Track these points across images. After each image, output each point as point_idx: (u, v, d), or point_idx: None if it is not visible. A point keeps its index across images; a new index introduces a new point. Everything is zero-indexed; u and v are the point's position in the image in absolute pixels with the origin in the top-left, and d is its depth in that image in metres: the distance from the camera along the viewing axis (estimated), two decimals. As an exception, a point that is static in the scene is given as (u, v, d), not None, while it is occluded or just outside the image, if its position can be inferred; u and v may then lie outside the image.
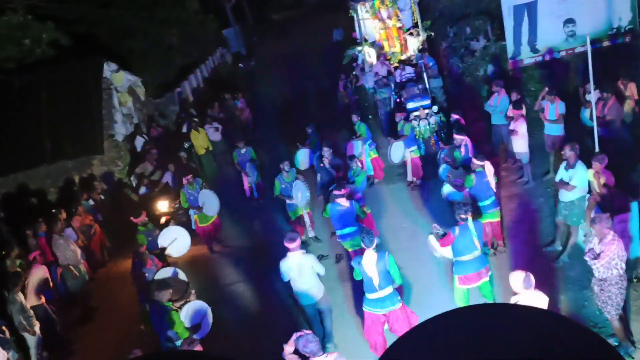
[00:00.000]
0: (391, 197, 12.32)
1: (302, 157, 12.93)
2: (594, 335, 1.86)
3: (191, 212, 12.01)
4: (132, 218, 10.61)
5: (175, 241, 10.44)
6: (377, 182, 12.94)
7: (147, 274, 9.10)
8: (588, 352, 1.74)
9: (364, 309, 7.50)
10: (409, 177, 12.54)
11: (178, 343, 7.29)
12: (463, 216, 7.56)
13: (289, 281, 7.97)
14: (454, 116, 12.21)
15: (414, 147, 12.51)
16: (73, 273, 10.96)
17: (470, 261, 7.60)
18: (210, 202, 11.60)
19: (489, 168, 9.12)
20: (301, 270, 7.79)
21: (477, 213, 8.67)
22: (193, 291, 8.87)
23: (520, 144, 11.03)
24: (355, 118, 13.33)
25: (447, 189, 10.14)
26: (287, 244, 7.78)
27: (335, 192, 9.19)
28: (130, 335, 9.73)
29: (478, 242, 7.60)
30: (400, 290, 7.71)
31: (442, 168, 10.64)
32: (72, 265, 10.96)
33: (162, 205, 12.37)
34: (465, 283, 7.67)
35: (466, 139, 10.70)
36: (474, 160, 9.15)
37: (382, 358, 1.92)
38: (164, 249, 10.25)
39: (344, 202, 9.11)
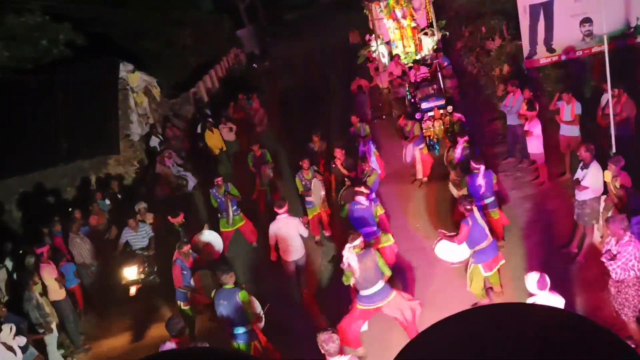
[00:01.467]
0: (404, 197, 12.29)
1: None
2: (613, 336, 1.85)
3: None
4: (169, 218, 10.35)
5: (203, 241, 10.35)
6: (390, 182, 12.91)
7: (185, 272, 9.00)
8: (607, 353, 1.73)
9: (357, 306, 7.66)
10: (418, 175, 12.51)
11: (241, 330, 7.37)
12: (468, 207, 7.90)
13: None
14: (456, 115, 12.21)
15: (422, 145, 12.55)
16: (88, 271, 11.11)
17: (489, 247, 7.97)
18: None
19: (485, 172, 9.21)
20: (288, 230, 9.05)
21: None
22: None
23: (534, 145, 10.97)
24: (354, 119, 13.35)
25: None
26: (276, 209, 9.15)
27: (357, 189, 9.25)
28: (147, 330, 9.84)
29: (487, 228, 7.98)
30: (398, 270, 8.11)
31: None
32: (87, 263, 11.09)
33: (130, 272, 10.66)
34: (488, 270, 8.00)
35: (464, 139, 10.61)
36: (471, 163, 9.31)
37: (399, 357, 1.92)
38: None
39: (363, 202, 9.12)
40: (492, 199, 9.27)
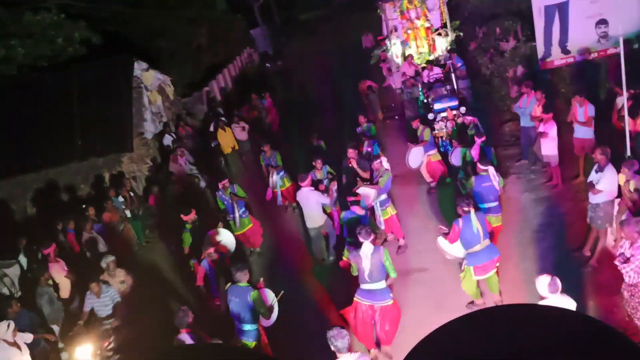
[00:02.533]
0: (416, 199, 12.26)
1: None
2: (625, 339, 1.84)
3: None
4: (182, 215, 10.22)
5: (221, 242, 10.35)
6: (399, 183, 12.88)
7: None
8: (620, 356, 1.72)
9: (355, 299, 7.76)
10: (427, 179, 12.47)
11: (248, 327, 7.45)
12: (465, 208, 7.91)
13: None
14: (468, 118, 12.09)
15: (433, 151, 12.41)
16: None
17: (483, 251, 7.93)
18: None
19: (492, 173, 9.16)
20: (308, 201, 10.29)
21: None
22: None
23: (549, 147, 10.89)
24: (362, 119, 13.33)
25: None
26: (300, 183, 10.30)
27: (349, 199, 9.89)
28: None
29: (482, 231, 7.89)
30: (407, 272, 8.22)
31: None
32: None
33: (82, 353, 7.75)
34: (481, 273, 7.98)
35: (481, 139, 10.63)
36: (478, 165, 9.33)
37: (410, 355, 1.92)
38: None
39: (359, 211, 9.56)
40: (495, 203, 9.18)
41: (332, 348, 5.76)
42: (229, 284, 7.72)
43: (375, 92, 17.32)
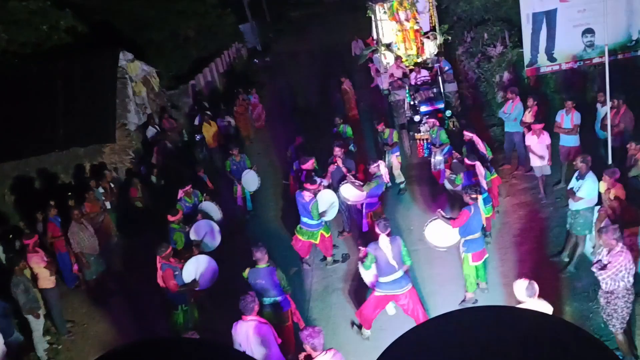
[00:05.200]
0: (398, 200, 12.29)
1: None
2: (598, 343, 1.83)
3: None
4: (169, 216, 10.04)
5: (207, 235, 10.24)
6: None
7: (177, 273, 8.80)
8: (590, 358, 1.72)
9: (377, 294, 7.89)
10: (398, 180, 12.49)
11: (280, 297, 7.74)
12: (474, 196, 8.19)
13: None
14: (467, 135, 11.65)
15: (398, 152, 12.55)
16: (83, 261, 10.79)
17: (479, 239, 8.31)
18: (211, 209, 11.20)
19: (479, 168, 9.40)
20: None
21: None
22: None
23: (539, 159, 10.76)
24: (338, 120, 13.32)
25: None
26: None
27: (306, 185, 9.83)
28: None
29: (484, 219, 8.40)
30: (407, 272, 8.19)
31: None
32: (86, 253, 10.76)
33: None
34: (476, 260, 8.29)
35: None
36: (465, 160, 9.59)
37: (381, 358, 1.90)
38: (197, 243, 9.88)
39: (306, 196, 9.67)
40: (485, 194, 9.29)
41: (308, 347, 5.74)
42: (248, 269, 7.81)
43: (349, 92, 17.26)
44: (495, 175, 10.47)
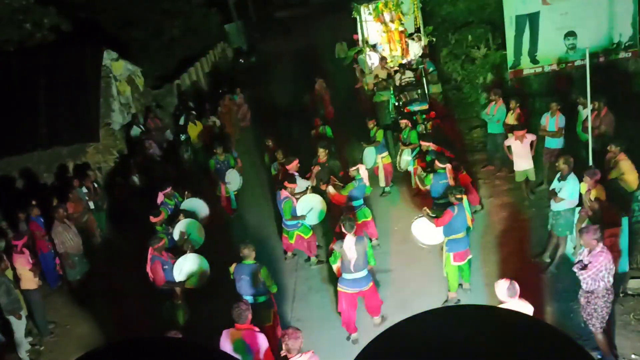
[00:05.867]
0: (383, 201, 12.33)
1: None
2: (576, 345, 1.88)
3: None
4: (151, 218, 10.02)
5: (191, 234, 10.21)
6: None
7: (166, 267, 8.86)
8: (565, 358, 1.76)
9: (339, 289, 8.10)
10: (381, 184, 12.52)
11: (263, 298, 7.93)
12: (459, 196, 8.36)
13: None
14: (425, 144, 11.40)
15: (385, 154, 12.48)
16: (68, 262, 10.75)
17: (463, 239, 8.41)
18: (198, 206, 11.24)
19: (449, 170, 9.62)
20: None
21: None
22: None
23: (525, 163, 10.75)
24: (317, 122, 13.41)
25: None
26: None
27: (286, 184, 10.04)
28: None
29: (470, 220, 8.48)
30: (372, 273, 8.42)
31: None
32: (70, 253, 10.69)
33: None
34: (458, 260, 8.40)
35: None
36: (436, 162, 9.76)
37: (361, 355, 1.92)
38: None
39: (282, 195, 9.92)
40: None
41: (283, 347, 5.77)
42: (234, 264, 8.00)
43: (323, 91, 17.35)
44: (464, 172, 10.61)
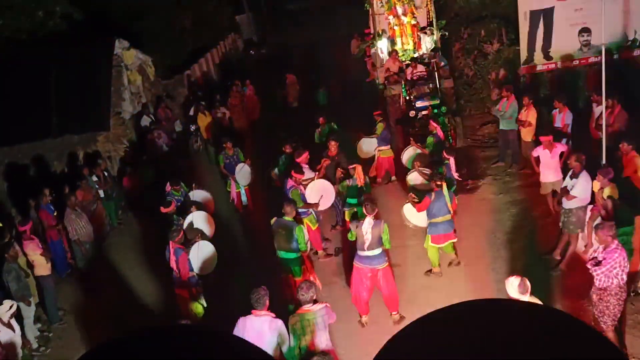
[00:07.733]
0: (393, 196, 12.28)
1: None
2: (594, 332, 1.85)
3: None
4: (162, 208, 10.07)
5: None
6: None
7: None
8: (591, 349, 1.73)
9: (354, 263, 8.36)
10: (372, 174, 12.53)
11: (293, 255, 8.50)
12: (438, 182, 8.92)
13: None
14: (433, 124, 11.87)
15: (385, 147, 12.56)
16: (82, 249, 10.91)
17: (442, 223, 8.92)
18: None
19: (452, 162, 10.15)
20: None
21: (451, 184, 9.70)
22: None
23: (552, 175, 9.99)
24: (322, 120, 13.47)
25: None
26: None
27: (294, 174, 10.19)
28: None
29: (450, 206, 8.97)
30: (388, 254, 8.62)
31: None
32: (82, 240, 10.87)
33: None
34: (436, 242, 9.02)
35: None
36: (444, 153, 10.30)
37: (378, 356, 1.89)
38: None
39: (289, 184, 10.06)
40: (454, 187, 9.99)
41: (300, 297, 6.46)
42: (274, 218, 8.62)
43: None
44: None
